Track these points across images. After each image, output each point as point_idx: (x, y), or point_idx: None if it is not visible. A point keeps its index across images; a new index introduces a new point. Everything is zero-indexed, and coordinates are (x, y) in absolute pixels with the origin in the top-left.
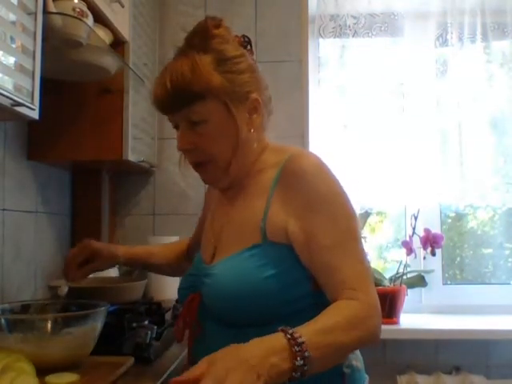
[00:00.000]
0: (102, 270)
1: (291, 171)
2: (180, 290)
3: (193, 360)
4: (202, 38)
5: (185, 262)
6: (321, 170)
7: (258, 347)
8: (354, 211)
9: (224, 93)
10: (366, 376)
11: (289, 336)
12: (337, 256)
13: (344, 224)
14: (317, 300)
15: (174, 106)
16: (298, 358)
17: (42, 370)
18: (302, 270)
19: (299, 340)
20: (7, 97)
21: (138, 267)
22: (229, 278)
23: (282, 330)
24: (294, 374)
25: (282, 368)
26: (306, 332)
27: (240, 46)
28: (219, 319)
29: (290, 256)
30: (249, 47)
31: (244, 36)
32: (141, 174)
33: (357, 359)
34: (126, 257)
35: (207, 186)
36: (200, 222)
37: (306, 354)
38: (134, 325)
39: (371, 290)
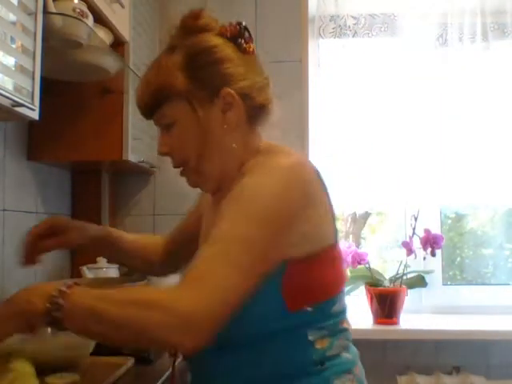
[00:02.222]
0: (68, 246)
1: (255, 170)
2: None
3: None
4: (178, 35)
5: (157, 264)
6: (284, 172)
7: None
8: (278, 217)
9: (187, 92)
10: None
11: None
12: (208, 250)
13: (241, 225)
14: (293, 322)
15: (148, 110)
16: (50, 303)
17: (42, 370)
18: (273, 285)
19: (62, 288)
20: (7, 97)
21: (106, 252)
22: None
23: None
24: (45, 316)
25: (36, 306)
26: (81, 290)
27: (233, 35)
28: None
29: None
30: (247, 34)
31: (238, 23)
32: (141, 174)
33: (353, 380)
34: (97, 235)
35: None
36: (187, 222)
37: (60, 301)
38: None
39: (200, 293)
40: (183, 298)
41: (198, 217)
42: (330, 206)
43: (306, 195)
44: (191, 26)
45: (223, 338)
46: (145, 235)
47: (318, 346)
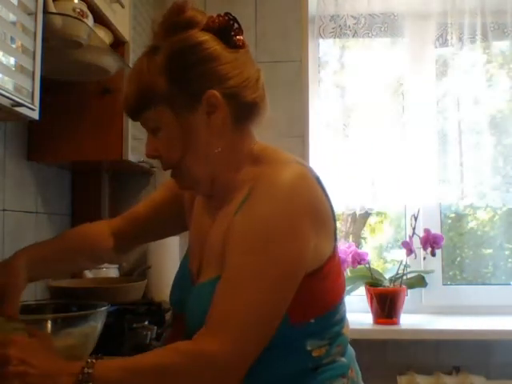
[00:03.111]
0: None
1: (259, 192)
2: (171, 300)
3: None
4: (161, 33)
5: (107, 252)
6: (287, 193)
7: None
8: (297, 255)
9: (170, 97)
10: None
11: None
12: (224, 290)
13: (255, 261)
14: (295, 334)
15: (132, 112)
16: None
17: None
18: None
19: (87, 370)
20: (7, 97)
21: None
22: (203, 311)
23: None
24: None
25: None
26: (103, 365)
27: (222, 26)
28: None
29: None
30: (236, 25)
31: (227, 14)
32: (141, 174)
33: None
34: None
35: None
36: (152, 202)
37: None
38: (134, 325)
39: (228, 339)
40: (213, 345)
41: (172, 197)
42: (333, 216)
43: (313, 220)
44: (175, 22)
45: None
46: (80, 233)
47: (315, 354)
